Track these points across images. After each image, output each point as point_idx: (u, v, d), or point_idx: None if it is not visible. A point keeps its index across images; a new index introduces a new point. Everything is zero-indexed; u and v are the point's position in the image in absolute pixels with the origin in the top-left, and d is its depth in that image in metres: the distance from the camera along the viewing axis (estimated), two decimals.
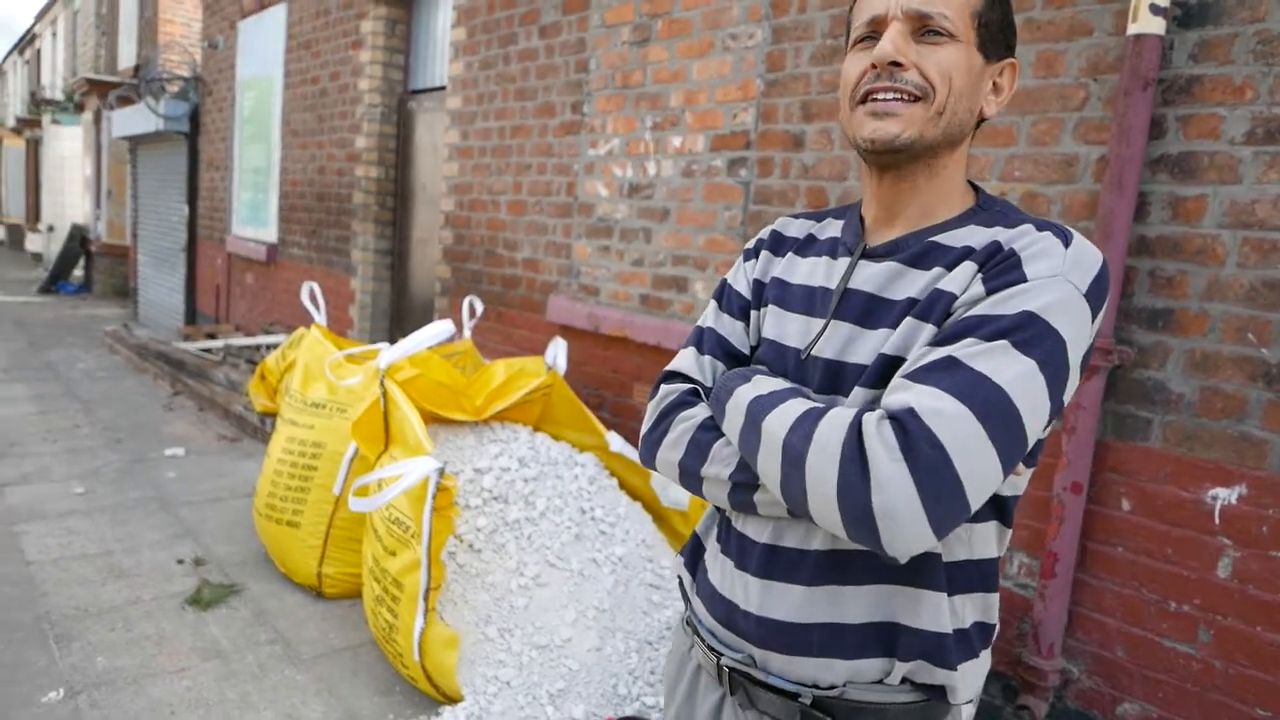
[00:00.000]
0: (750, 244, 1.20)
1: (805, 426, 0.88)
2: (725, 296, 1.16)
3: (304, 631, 2.96)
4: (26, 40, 23.34)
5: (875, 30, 0.97)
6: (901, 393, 0.86)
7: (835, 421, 0.87)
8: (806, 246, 1.12)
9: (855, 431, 0.85)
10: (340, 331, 5.80)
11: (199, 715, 2.44)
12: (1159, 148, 2.13)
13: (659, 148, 3.48)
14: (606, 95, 3.71)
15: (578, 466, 3.00)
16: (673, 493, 3.07)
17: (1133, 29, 2.08)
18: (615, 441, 3.12)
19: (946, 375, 0.84)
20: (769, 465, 0.91)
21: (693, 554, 1.16)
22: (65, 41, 18.73)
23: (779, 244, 1.15)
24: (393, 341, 5.09)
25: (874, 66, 0.95)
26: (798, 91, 2.96)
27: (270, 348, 6.63)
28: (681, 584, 1.18)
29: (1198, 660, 2.08)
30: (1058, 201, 2.32)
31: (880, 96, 0.95)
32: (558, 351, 3.17)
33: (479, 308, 3.94)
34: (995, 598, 1.01)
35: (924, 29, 0.95)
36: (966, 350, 0.85)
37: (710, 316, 1.16)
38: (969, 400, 0.82)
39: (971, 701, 1.02)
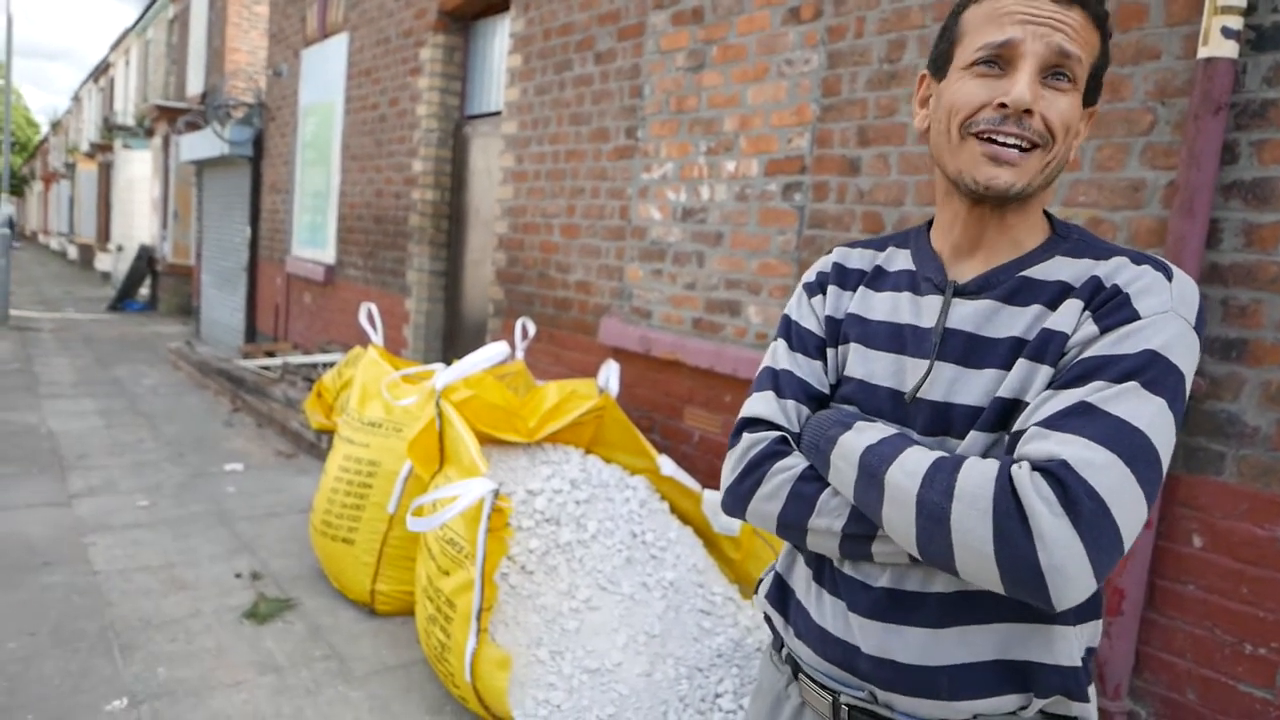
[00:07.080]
0: (810, 277, 1.14)
1: (942, 480, 0.85)
2: (795, 335, 1.11)
3: (357, 648, 3.00)
4: (101, 69, 24.42)
5: (1003, 55, 0.91)
6: (1041, 442, 0.84)
7: (978, 475, 0.84)
8: (878, 280, 1.08)
9: (1005, 485, 0.82)
10: (394, 351, 5.90)
11: None
12: (1231, 173, 2.07)
13: (713, 172, 3.50)
14: (661, 120, 3.74)
15: (629, 489, 3.00)
16: (724, 518, 3.05)
17: (1203, 52, 2.04)
18: (666, 465, 3.11)
19: (1088, 422, 0.83)
20: (898, 520, 0.88)
21: (779, 592, 1.13)
22: (137, 70, 19.53)
23: (844, 277, 1.11)
24: (446, 361, 5.16)
25: (1002, 106, 0.91)
26: (854, 116, 2.95)
27: (327, 366, 6.77)
28: (771, 622, 1.14)
29: (1275, 706, 1.99)
30: (1124, 228, 2.27)
31: (1002, 141, 0.91)
32: (610, 374, 3.18)
33: (531, 329, 3.98)
34: (1101, 622, 1.00)
35: (1053, 71, 0.91)
36: (1099, 394, 0.84)
37: (782, 357, 1.10)
38: (1116, 447, 0.81)
39: None
